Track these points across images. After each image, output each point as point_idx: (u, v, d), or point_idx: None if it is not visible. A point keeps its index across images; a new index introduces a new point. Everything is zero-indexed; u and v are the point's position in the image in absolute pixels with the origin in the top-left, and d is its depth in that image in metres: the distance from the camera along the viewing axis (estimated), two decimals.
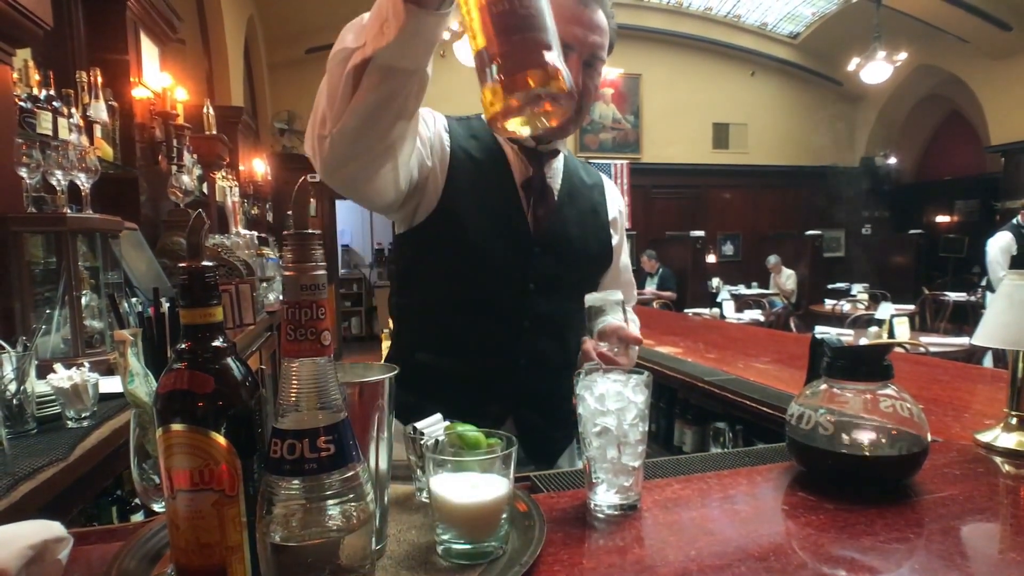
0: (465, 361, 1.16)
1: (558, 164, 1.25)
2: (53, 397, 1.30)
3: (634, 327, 1.10)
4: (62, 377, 1.28)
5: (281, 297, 0.51)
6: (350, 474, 0.50)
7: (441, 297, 1.17)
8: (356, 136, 0.85)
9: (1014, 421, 1.02)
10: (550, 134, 1.14)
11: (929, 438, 0.84)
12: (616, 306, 1.07)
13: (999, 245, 5.40)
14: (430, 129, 1.13)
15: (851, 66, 8.11)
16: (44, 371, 1.33)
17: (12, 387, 1.21)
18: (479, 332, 1.16)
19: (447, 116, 1.20)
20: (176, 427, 0.52)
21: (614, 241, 1.33)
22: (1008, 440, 1.00)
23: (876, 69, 7.85)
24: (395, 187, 1.00)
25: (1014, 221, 5.47)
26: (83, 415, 1.29)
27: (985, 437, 1.03)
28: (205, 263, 0.53)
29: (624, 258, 1.39)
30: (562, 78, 0.57)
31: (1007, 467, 0.96)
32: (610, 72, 10.00)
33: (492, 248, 1.13)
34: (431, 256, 1.16)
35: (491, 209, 1.12)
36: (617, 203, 1.36)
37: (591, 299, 1.08)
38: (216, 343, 0.54)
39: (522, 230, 1.17)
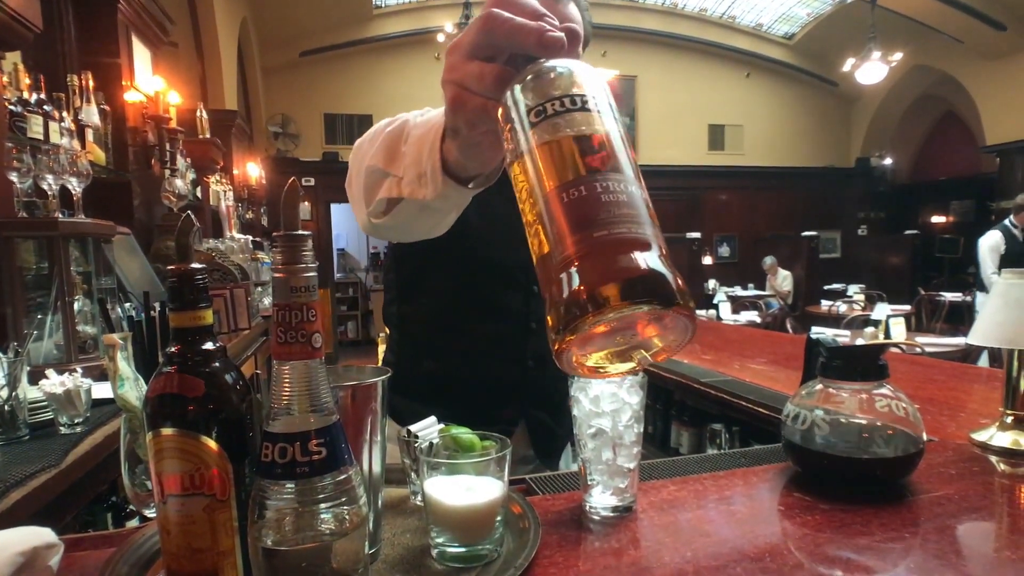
0: (474, 365, 1.15)
1: None
2: (45, 403, 1.29)
3: None
4: (54, 383, 1.27)
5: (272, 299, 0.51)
6: (342, 477, 0.50)
7: (448, 303, 1.16)
8: (400, 232, 0.89)
9: (1009, 420, 1.02)
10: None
11: (925, 438, 0.84)
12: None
13: (988, 244, 5.51)
14: None
15: (846, 67, 8.15)
16: (36, 377, 1.32)
17: (4, 393, 1.20)
18: (487, 335, 1.15)
19: None
20: (166, 431, 0.51)
21: None
22: (1003, 439, 1.00)
23: (871, 69, 7.89)
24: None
25: (1006, 221, 5.52)
26: (76, 421, 1.28)
27: (981, 436, 1.03)
28: (195, 265, 0.53)
29: None
30: (672, 290, 0.40)
31: (1003, 466, 0.96)
32: (605, 74, 10.02)
33: (497, 252, 1.12)
34: (437, 263, 1.14)
35: (496, 213, 1.04)
36: None
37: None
38: (206, 346, 0.53)
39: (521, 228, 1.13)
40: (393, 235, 0.92)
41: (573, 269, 0.40)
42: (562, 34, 0.50)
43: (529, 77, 0.47)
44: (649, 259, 0.40)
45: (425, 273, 1.18)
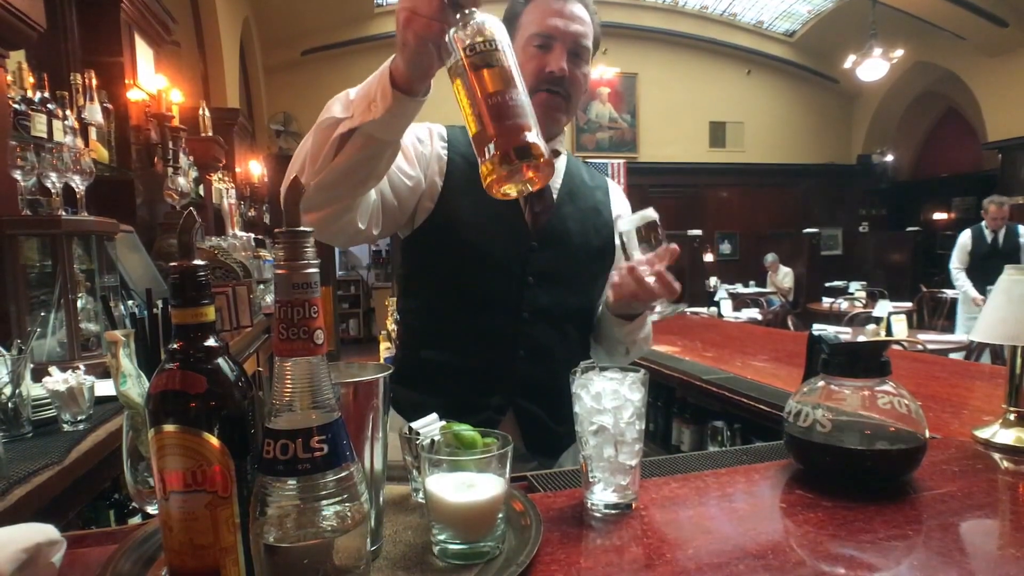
0: (466, 353, 1.19)
1: (559, 165, 1.28)
2: (48, 400, 1.29)
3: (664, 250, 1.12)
4: (57, 380, 1.27)
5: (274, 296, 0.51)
6: (344, 474, 0.50)
7: (444, 294, 1.21)
8: (332, 188, 0.95)
9: (1012, 417, 1.02)
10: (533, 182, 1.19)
11: (927, 435, 0.84)
12: (652, 229, 1.10)
13: (960, 241, 5.75)
14: (426, 147, 1.19)
15: (847, 63, 8.12)
16: (39, 374, 1.32)
17: (7, 390, 1.20)
18: (480, 324, 1.19)
19: (448, 126, 1.24)
20: (168, 428, 0.51)
21: (614, 236, 1.33)
22: (1006, 436, 1.00)
23: (872, 66, 7.86)
24: (354, 229, 1.07)
25: (981, 222, 5.70)
26: (79, 418, 1.28)
27: (983, 433, 1.03)
28: (197, 262, 0.53)
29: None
30: (540, 151, 0.72)
31: (1005, 463, 0.96)
32: (606, 71, 10.02)
33: (490, 244, 1.18)
34: (434, 256, 1.21)
35: (487, 208, 1.09)
36: (623, 204, 1.39)
37: (625, 224, 1.13)
38: (208, 343, 0.54)
39: (519, 227, 1.20)
40: (324, 200, 0.97)
41: (492, 144, 0.71)
42: None
43: (464, 24, 0.74)
44: (530, 136, 0.72)
45: (424, 265, 1.24)
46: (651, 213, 1.11)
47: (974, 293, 5.41)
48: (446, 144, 1.21)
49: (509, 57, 0.74)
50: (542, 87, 1.14)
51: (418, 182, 1.16)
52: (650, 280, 1.07)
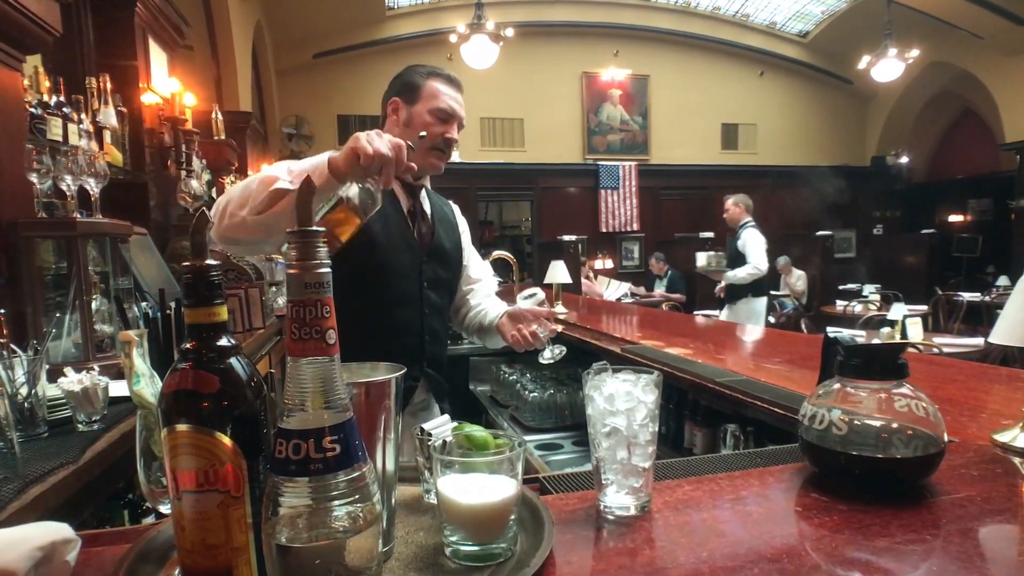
0: (387, 341, 1.56)
1: (424, 195, 1.71)
2: (64, 401, 1.30)
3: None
4: (72, 381, 1.28)
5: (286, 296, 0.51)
6: (356, 475, 0.50)
7: (365, 296, 1.55)
8: (264, 226, 1.24)
9: None
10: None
11: (946, 438, 0.83)
12: (540, 303, 1.67)
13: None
14: None
15: (862, 64, 8.05)
16: (55, 375, 1.33)
17: (23, 391, 1.21)
18: (397, 319, 1.59)
19: None
20: (181, 427, 0.51)
21: (465, 247, 1.82)
22: None
23: (887, 67, 7.79)
24: (267, 251, 1.54)
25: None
26: (93, 418, 1.29)
27: (1003, 437, 1.01)
28: (210, 262, 0.53)
29: (477, 255, 1.90)
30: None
31: None
32: (618, 73, 10.01)
33: (396, 260, 1.57)
34: (354, 269, 1.48)
35: (391, 232, 1.57)
36: (463, 219, 1.86)
37: (523, 303, 1.65)
38: (221, 342, 0.54)
39: (413, 245, 1.62)
40: (251, 233, 1.27)
41: None
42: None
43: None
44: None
45: (350, 273, 1.46)
46: (540, 295, 1.71)
47: None
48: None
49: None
50: (439, 146, 1.57)
51: None
52: (529, 335, 1.56)
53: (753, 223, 5.50)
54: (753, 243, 5.29)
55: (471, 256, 1.86)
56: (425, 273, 1.63)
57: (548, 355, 1.62)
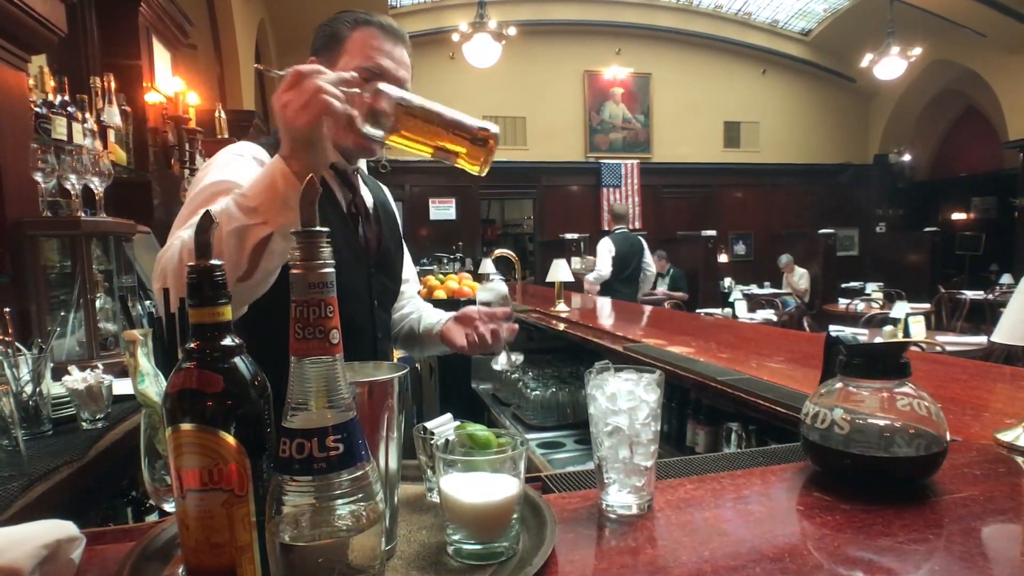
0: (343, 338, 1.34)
1: (361, 180, 1.34)
2: (68, 399, 1.31)
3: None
4: (77, 379, 1.29)
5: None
6: (359, 473, 0.50)
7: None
8: (256, 287, 0.94)
9: None
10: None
11: (948, 437, 0.83)
12: (502, 300, 1.39)
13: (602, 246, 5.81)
14: None
15: (864, 62, 8.04)
16: (59, 373, 1.34)
17: (28, 389, 1.22)
18: (349, 314, 1.28)
19: (268, 153, 1.16)
20: (185, 426, 0.51)
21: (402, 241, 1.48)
22: None
23: (890, 65, 7.77)
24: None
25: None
26: (98, 417, 1.30)
27: (1006, 436, 1.01)
28: (214, 262, 0.53)
29: (406, 250, 1.53)
30: (488, 128, 0.97)
31: None
32: (620, 72, 10.00)
33: (341, 278, 1.18)
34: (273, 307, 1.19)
35: (336, 240, 1.11)
36: (395, 205, 1.52)
37: (483, 296, 1.39)
38: (225, 342, 0.54)
39: (360, 254, 1.27)
40: (254, 293, 0.95)
41: (461, 145, 0.96)
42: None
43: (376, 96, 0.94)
44: (475, 122, 0.96)
45: (281, 304, 1.27)
46: (502, 288, 1.41)
47: None
48: None
49: (433, 102, 0.96)
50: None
51: None
52: (488, 335, 1.31)
53: (616, 230, 5.85)
54: (600, 250, 5.63)
55: (405, 250, 1.52)
56: (375, 288, 1.30)
57: (504, 361, 1.41)
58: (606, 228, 9.94)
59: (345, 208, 1.26)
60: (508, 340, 1.34)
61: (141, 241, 2.45)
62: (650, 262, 5.84)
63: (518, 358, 1.44)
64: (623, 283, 5.56)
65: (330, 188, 1.22)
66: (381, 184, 1.47)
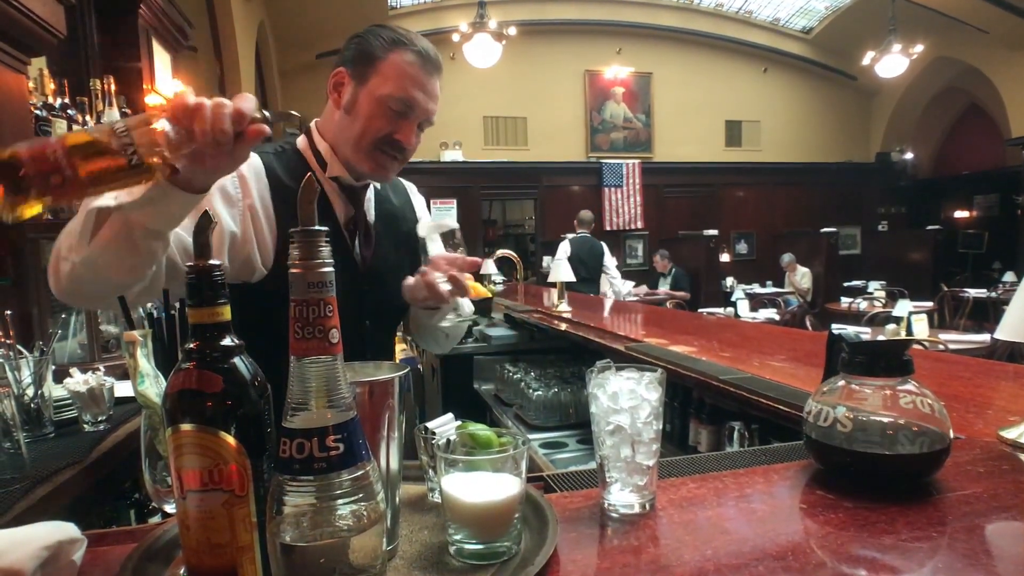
0: None
1: (370, 194, 1.27)
2: (70, 401, 1.31)
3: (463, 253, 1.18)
4: (78, 381, 1.29)
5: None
6: (360, 473, 0.50)
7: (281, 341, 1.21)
8: (91, 266, 0.88)
9: None
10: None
11: (951, 435, 0.83)
12: (449, 236, 1.18)
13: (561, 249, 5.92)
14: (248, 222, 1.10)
15: (866, 60, 8.03)
16: (61, 376, 1.34)
17: (30, 391, 1.22)
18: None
19: (264, 162, 1.15)
20: (185, 427, 0.51)
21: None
22: None
23: (892, 63, 7.76)
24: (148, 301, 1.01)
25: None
26: (99, 419, 1.30)
27: (1010, 434, 1.01)
28: (213, 262, 0.53)
29: (439, 241, 1.37)
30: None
31: None
32: (621, 71, 9.99)
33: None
34: (274, 308, 1.13)
35: None
36: (423, 207, 1.42)
37: (424, 229, 1.20)
38: (225, 342, 0.54)
39: (352, 271, 1.20)
40: (89, 281, 0.91)
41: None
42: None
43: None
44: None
45: (265, 312, 1.11)
46: (450, 223, 1.20)
47: None
48: (271, 192, 1.13)
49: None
50: (384, 148, 1.14)
51: (248, 252, 1.09)
52: (443, 284, 1.11)
53: (579, 233, 6.10)
54: (558, 251, 5.64)
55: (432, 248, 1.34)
56: (367, 305, 1.23)
57: (452, 316, 1.23)
58: (608, 228, 9.95)
59: (342, 221, 1.21)
60: (461, 290, 1.14)
61: None
62: (611, 266, 6.02)
63: (470, 310, 1.28)
64: (582, 283, 5.68)
65: (328, 202, 1.18)
66: (407, 185, 1.40)
